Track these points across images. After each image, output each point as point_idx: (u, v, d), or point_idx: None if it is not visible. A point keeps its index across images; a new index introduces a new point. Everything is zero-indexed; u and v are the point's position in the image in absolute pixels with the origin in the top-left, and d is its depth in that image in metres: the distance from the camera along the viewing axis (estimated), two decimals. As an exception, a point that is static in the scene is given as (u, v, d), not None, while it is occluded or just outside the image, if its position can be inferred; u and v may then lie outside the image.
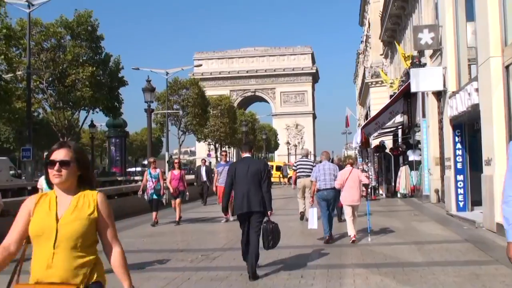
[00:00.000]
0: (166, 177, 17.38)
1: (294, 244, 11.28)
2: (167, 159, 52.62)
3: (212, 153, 77.90)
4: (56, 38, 34.93)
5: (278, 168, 48.87)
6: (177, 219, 15.54)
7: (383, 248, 10.22)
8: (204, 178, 22.32)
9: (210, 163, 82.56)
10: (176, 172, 16.00)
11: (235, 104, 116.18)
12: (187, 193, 16.19)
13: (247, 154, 8.80)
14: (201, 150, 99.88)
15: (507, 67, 10.98)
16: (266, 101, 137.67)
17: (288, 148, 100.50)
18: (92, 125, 43.59)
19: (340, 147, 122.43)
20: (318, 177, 11.43)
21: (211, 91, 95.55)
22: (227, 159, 17.03)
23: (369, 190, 23.64)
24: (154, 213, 15.42)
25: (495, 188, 11.26)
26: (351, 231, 11.12)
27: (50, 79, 36.26)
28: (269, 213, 8.27)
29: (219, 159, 18.91)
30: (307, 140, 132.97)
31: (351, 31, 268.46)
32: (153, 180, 15.18)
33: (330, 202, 11.38)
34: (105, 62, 37.49)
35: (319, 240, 11.45)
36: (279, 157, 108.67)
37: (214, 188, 16.79)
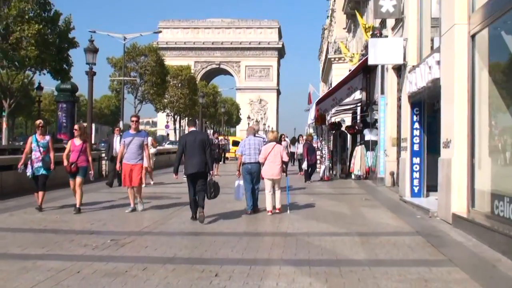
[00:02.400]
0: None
1: (222, 230, 9.86)
2: (122, 128, 50.78)
3: (171, 124, 76.20)
4: (0, -9, 32.25)
5: (236, 144, 47.24)
6: (77, 205, 11.71)
7: (322, 239, 8.82)
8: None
9: (168, 134, 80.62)
10: (78, 142, 11.88)
11: (199, 76, 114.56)
12: (91, 172, 12.19)
13: (193, 128, 11.36)
14: (163, 121, 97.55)
15: (473, 36, 9.61)
16: (230, 74, 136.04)
17: (248, 123, 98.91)
18: (39, 88, 41.09)
19: (304, 124, 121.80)
20: (243, 151, 12.03)
21: (175, 61, 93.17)
22: (139, 128, 12.64)
23: (322, 169, 22.55)
24: (40, 194, 11.90)
25: (453, 174, 10.00)
26: (269, 205, 11.67)
27: (-7, 36, 33.68)
28: (211, 172, 10.87)
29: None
30: (270, 115, 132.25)
31: (318, 6, 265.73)
32: (41, 149, 11.86)
33: (254, 176, 11.95)
34: (53, 21, 34.91)
35: (252, 226, 10.53)
36: (241, 132, 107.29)
37: (117, 166, 12.28)
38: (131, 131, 12.17)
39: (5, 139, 36.67)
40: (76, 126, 12.41)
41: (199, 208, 10.45)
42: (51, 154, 12.00)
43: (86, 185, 15.25)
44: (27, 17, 32.87)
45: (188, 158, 10.62)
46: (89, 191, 15.39)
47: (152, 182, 18.70)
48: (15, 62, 34.19)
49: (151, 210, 12.36)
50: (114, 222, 10.79)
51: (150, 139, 17.58)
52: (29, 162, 11.90)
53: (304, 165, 20.90)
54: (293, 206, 12.88)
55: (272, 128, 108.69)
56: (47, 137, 12.22)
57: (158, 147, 25.94)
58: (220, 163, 26.60)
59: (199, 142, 10.60)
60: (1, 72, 34.40)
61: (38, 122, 12.46)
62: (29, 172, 11.91)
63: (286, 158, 12.09)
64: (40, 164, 11.86)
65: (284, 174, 12.29)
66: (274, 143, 11.98)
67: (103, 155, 19.44)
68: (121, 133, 16.97)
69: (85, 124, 12.83)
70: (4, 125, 37.36)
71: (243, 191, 11.89)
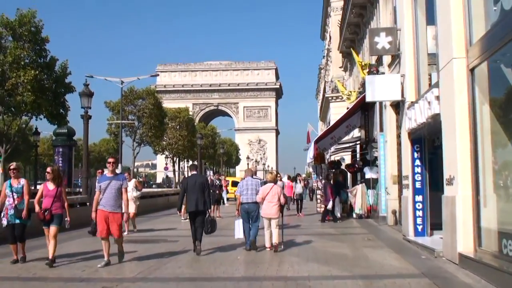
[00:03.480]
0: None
1: (220, 275, 9.45)
2: (119, 171, 50.45)
3: (170, 166, 75.84)
4: (-4, 38, 32.37)
5: (235, 184, 46.69)
6: (50, 257, 10.33)
7: (324, 283, 8.42)
8: None
9: (167, 176, 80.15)
10: (51, 186, 10.71)
11: (197, 118, 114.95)
12: (68, 219, 10.71)
13: (194, 172, 12.88)
14: (162, 163, 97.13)
15: (472, 70, 9.41)
16: (229, 115, 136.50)
17: (248, 164, 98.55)
18: (36, 133, 41.03)
19: (303, 163, 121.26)
20: (241, 192, 12.70)
21: (173, 103, 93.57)
22: (116, 170, 10.95)
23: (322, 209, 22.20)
24: (18, 245, 10.74)
25: (458, 211, 9.64)
26: (267, 242, 12.37)
27: (-11, 82, 33.62)
28: (209, 210, 12.24)
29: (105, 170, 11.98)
30: (269, 155, 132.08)
31: (315, 46, 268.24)
32: (14, 195, 10.68)
33: (252, 215, 12.63)
34: (49, 66, 35.00)
35: (251, 270, 10.00)
36: (241, 172, 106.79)
37: (92, 215, 10.51)
38: (108, 174, 10.77)
39: (0, 185, 36.20)
40: (48, 169, 10.96)
41: (197, 241, 11.88)
42: (26, 200, 10.75)
43: (79, 230, 14.98)
44: (23, 63, 32.92)
45: (189, 198, 12.06)
46: (82, 236, 14.96)
47: (135, 229, 16.97)
48: (11, 108, 34.11)
49: (146, 255, 11.90)
50: (107, 268, 10.31)
51: (133, 181, 16.82)
52: (4, 210, 10.75)
53: (330, 205, 20.39)
54: (293, 247, 12.81)
55: (271, 169, 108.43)
56: (22, 181, 10.92)
57: (159, 189, 25.40)
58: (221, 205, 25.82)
59: (199, 184, 12.06)
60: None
61: (10, 165, 11.15)
62: (4, 221, 10.73)
63: (283, 201, 12.70)
64: (13, 211, 10.65)
65: (281, 214, 12.87)
66: (272, 184, 12.63)
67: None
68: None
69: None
70: (0, 171, 37.00)
71: (242, 229, 12.87)
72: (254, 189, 12.62)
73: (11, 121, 36.05)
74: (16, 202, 10.69)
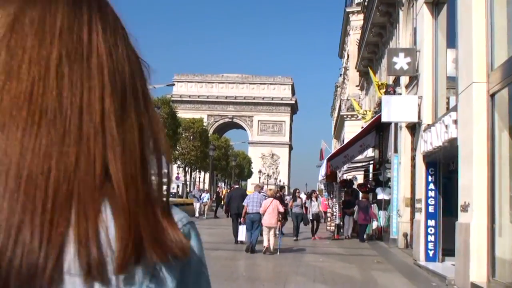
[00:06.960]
0: None
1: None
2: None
3: (181, 176, 75.76)
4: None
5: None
6: None
7: (331, 306, 8.21)
8: None
9: (177, 186, 79.77)
10: None
11: (212, 129, 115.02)
12: None
13: (236, 186, 21.92)
14: (174, 172, 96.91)
15: (492, 95, 9.22)
16: (243, 128, 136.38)
17: (259, 177, 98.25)
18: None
19: (315, 180, 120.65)
20: (248, 204, 15.48)
21: (188, 114, 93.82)
22: None
23: (335, 227, 21.93)
24: None
25: (472, 240, 9.38)
26: (265, 242, 14.86)
27: None
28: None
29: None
30: (282, 170, 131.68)
31: (332, 64, 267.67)
32: None
33: (255, 223, 15.14)
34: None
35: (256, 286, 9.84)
36: (252, 185, 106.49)
37: None
38: None
39: None
40: None
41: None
42: None
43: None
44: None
45: (232, 204, 17.92)
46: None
47: None
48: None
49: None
50: None
51: None
52: None
53: (375, 224, 20.47)
54: (301, 265, 12.77)
55: (283, 183, 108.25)
56: None
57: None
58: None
59: (240, 195, 17.76)
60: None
61: None
62: None
63: (281, 210, 15.30)
64: None
65: (280, 223, 15.66)
66: (272, 198, 15.21)
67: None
68: None
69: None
70: None
71: (245, 233, 15.46)
72: (259, 202, 15.22)
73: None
74: None
